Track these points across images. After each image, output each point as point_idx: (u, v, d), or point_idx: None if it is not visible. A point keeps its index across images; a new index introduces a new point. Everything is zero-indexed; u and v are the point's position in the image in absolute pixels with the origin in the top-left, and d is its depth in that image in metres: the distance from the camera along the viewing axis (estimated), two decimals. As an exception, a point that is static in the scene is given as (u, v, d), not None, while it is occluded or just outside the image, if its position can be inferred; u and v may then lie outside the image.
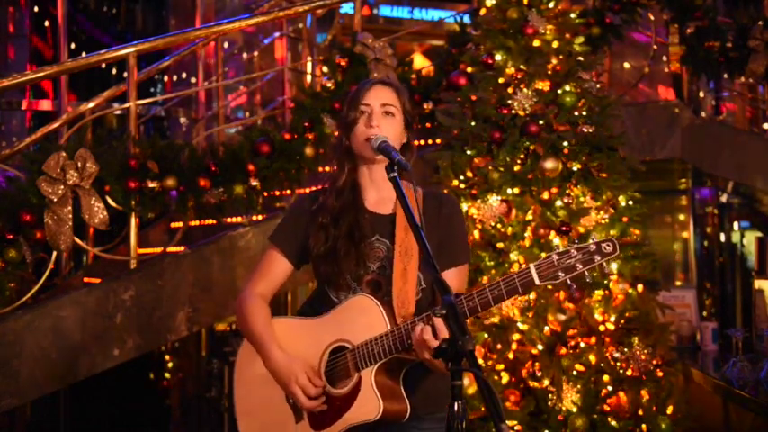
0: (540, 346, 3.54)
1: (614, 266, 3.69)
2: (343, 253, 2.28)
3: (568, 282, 2.07)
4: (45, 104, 6.46)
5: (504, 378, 3.59)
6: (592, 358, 3.53)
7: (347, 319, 2.25)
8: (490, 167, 3.80)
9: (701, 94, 6.74)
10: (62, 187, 3.65)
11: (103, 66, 6.21)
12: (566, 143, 3.78)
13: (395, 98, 2.34)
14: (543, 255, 2.27)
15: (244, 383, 2.41)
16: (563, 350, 3.54)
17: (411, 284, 2.28)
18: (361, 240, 2.30)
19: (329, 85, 4.62)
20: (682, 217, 7.13)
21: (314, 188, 2.51)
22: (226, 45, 6.87)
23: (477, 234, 3.77)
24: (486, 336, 3.59)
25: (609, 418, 3.48)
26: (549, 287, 3.60)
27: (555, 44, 3.96)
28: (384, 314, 2.19)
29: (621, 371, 3.54)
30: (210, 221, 4.53)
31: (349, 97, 2.37)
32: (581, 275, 2.07)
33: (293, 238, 2.39)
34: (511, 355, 3.58)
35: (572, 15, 4.07)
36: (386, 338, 2.16)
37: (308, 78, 5.84)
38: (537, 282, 2.06)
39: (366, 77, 4.50)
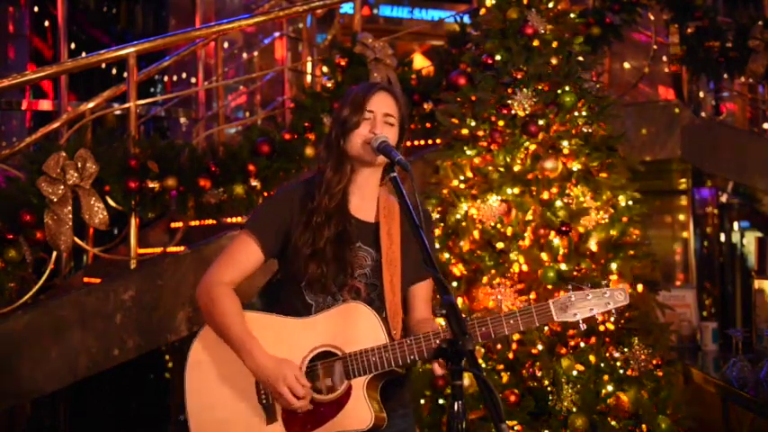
0: (540, 346, 3.55)
1: (614, 266, 3.69)
2: (330, 257, 2.26)
3: (580, 321, 2.21)
4: (45, 104, 6.44)
5: (504, 378, 3.59)
6: (592, 358, 3.53)
7: (338, 324, 2.22)
8: (490, 167, 3.80)
9: (701, 94, 6.74)
10: (62, 187, 3.65)
11: (103, 66, 6.20)
12: (566, 143, 3.78)
13: (396, 109, 2.34)
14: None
15: (199, 377, 2.30)
16: (563, 350, 3.54)
17: (398, 296, 2.29)
18: (346, 245, 2.29)
19: (329, 85, 4.62)
20: (682, 217, 7.14)
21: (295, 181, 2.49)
22: (226, 45, 6.87)
23: (477, 234, 3.77)
24: (486, 336, 3.58)
25: (609, 418, 3.48)
26: (549, 287, 3.60)
27: (555, 44, 3.95)
28: (382, 326, 2.20)
29: (621, 371, 3.54)
30: (210, 221, 4.52)
31: (350, 99, 2.33)
32: (593, 317, 2.21)
33: (272, 231, 2.31)
34: (511, 355, 3.59)
35: (572, 15, 4.07)
36: (385, 352, 2.16)
37: (308, 78, 5.84)
38: (555, 318, 2.17)
39: (366, 77, 4.50)
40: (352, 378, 2.18)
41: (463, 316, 1.91)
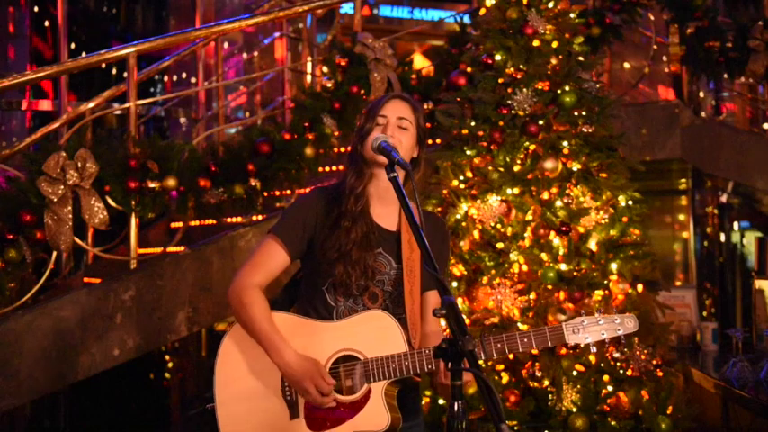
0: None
1: (614, 266, 3.69)
2: (354, 260, 2.34)
3: (591, 344, 2.32)
4: (45, 104, 6.45)
5: (504, 378, 3.59)
6: (592, 358, 3.53)
7: (361, 331, 2.31)
8: (490, 167, 3.80)
9: (701, 94, 6.74)
10: (62, 187, 3.65)
11: (103, 66, 6.20)
12: (566, 143, 3.78)
13: (410, 113, 2.42)
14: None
15: (228, 370, 2.41)
16: (563, 350, 3.54)
17: (417, 305, 2.38)
18: (368, 250, 2.37)
19: (329, 85, 4.63)
20: (682, 217, 7.13)
21: (320, 185, 2.56)
22: (226, 45, 6.87)
23: (476, 234, 3.77)
24: (486, 336, 3.58)
25: (609, 418, 3.48)
26: (549, 287, 3.60)
27: (554, 44, 3.95)
28: (403, 335, 2.29)
29: (621, 371, 3.54)
30: (210, 221, 4.52)
31: (367, 109, 2.45)
32: (602, 341, 2.32)
33: (299, 235, 2.40)
34: (511, 356, 3.59)
35: (572, 15, 4.07)
36: (405, 359, 2.26)
37: (308, 78, 5.84)
38: (567, 340, 2.27)
39: (366, 77, 4.51)
40: (372, 382, 2.28)
41: (464, 316, 1.93)
